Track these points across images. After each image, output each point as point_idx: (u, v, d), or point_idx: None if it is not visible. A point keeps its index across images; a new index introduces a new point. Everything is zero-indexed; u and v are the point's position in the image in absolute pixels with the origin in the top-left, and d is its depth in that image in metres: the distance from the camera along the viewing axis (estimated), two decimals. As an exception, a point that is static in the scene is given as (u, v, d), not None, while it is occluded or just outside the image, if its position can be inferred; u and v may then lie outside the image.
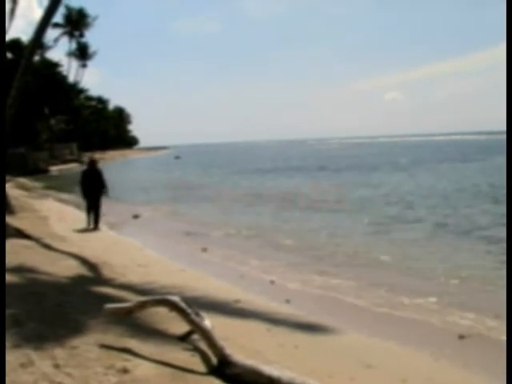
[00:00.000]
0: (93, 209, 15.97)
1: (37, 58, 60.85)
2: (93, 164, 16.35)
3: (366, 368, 5.51)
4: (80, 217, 19.33)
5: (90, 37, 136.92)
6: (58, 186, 37.82)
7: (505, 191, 19.39)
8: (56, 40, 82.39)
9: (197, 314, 5.18)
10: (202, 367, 4.71)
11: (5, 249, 7.43)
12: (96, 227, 15.72)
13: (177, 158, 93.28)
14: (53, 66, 77.90)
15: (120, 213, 19.82)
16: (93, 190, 15.91)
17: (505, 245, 12.49)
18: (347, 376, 5.15)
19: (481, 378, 5.53)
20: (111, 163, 69.97)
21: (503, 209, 18.29)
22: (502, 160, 44.75)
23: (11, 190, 24.95)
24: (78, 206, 23.03)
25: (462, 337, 6.80)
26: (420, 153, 75.71)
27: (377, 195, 24.55)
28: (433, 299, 8.66)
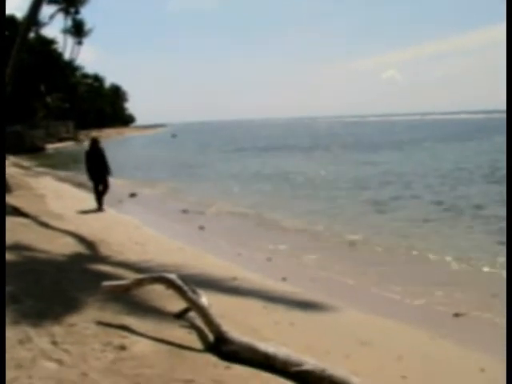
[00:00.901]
0: (98, 189, 15.55)
1: (32, 34, 60.40)
2: (95, 144, 15.79)
3: (362, 345, 5.55)
4: (77, 195, 19.39)
5: (86, 14, 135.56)
6: (54, 163, 37.78)
7: (503, 170, 19.40)
8: (51, 17, 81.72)
9: (193, 292, 5.21)
10: (198, 344, 4.75)
11: (5, 231, 7.44)
12: (100, 208, 15.40)
13: (173, 136, 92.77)
14: (48, 43, 77.38)
15: (117, 191, 19.79)
16: (97, 171, 15.42)
17: (502, 224, 12.58)
18: (343, 353, 5.20)
19: (476, 354, 5.57)
20: (107, 141, 69.53)
21: (500, 187, 18.40)
22: (500, 139, 44.81)
23: (8, 168, 24.91)
24: (75, 184, 23.08)
25: (457, 315, 6.84)
26: (417, 132, 75.56)
27: (375, 174, 24.54)
28: (429, 279, 8.71)
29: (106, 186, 15.55)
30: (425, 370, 5.10)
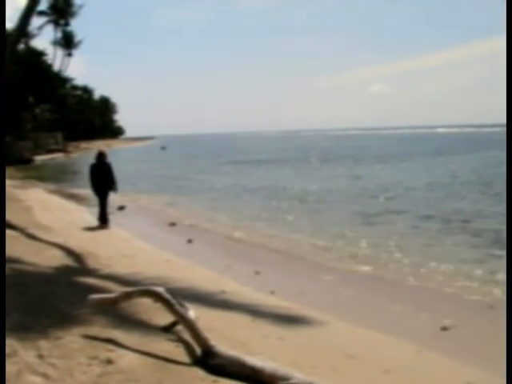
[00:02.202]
0: (100, 205, 14.93)
1: (21, 46, 60.32)
2: (101, 157, 14.96)
3: (349, 359, 5.55)
4: (66, 207, 19.30)
5: (76, 26, 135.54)
6: (43, 175, 37.64)
7: (493, 185, 19.58)
8: (40, 28, 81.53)
9: (181, 305, 5.20)
10: (186, 358, 4.73)
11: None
12: (104, 224, 14.73)
13: (163, 148, 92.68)
14: (38, 54, 77.21)
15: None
16: (103, 186, 14.76)
17: (489, 237, 12.68)
18: (330, 367, 5.19)
19: (464, 368, 5.59)
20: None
21: (490, 201, 18.58)
22: (491, 153, 45.33)
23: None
24: (64, 196, 23.02)
25: (444, 329, 6.87)
26: (406, 145, 75.95)
27: (364, 187, 24.67)
28: (416, 292, 8.76)
29: (105, 202, 14.94)
30: (412, 384, 5.10)
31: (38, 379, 3.94)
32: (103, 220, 14.81)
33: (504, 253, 11.05)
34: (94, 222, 15.18)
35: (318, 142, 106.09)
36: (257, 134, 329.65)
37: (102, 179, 14.74)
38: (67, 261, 9.45)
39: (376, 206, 18.62)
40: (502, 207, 16.84)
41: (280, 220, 16.50)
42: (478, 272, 9.66)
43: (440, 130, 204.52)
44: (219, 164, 46.51)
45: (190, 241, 12.92)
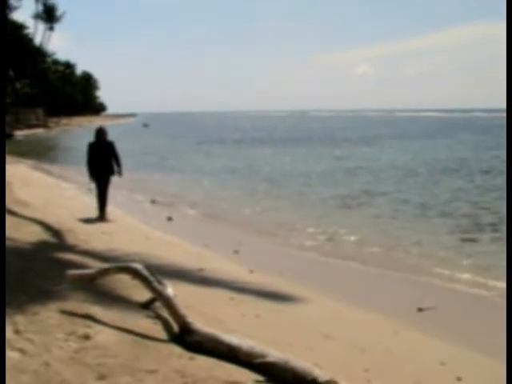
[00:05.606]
0: (100, 192, 12.46)
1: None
2: (101, 134, 12.48)
3: (326, 338, 5.61)
4: (47, 182, 19.16)
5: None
6: (24, 151, 37.18)
7: (468, 168, 19.80)
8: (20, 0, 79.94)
9: (159, 282, 5.21)
10: (163, 334, 4.75)
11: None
12: (103, 215, 12.33)
13: (145, 125, 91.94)
14: (18, 27, 76.02)
15: (84, 181, 19.66)
16: (104, 169, 12.37)
17: (467, 222, 12.82)
18: (306, 346, 5.23)
19: (437, 348, 5.68)
20: (78, 130, 68.78)
21: (467, 184, 18.76)
22: (467, 137, 45.73)
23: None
24: (46, 172, 22.86)
25: (420, 310, 6.96)
26: (387, 128, 76.08)
27: (341, 169, 24.74)
28: (394, 273, 8.85)
29: (106, 188, 12.48)
30: (387, 363, 5.18)
31: (14, 354, 3.94)
32: (102, 210, 12.40)
33: (480, 236, 11.29)
34: (73, 199, 15.08)
35: (299, 124, 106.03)
36: (244, 113, 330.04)
37: (104, 161, 12.38)
38: (46, 236, 9.40)
39: (357, 188, 18.67)
40: (478, 192, 17.09)
41: (261, 200, 16.52)
42: (456, 256, 9.78)
43: (424, 113, 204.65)
44: (201, 143, 46.37)
45: (169, 218, 12.93)
